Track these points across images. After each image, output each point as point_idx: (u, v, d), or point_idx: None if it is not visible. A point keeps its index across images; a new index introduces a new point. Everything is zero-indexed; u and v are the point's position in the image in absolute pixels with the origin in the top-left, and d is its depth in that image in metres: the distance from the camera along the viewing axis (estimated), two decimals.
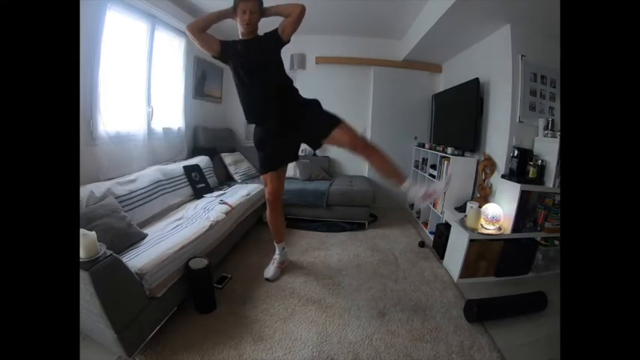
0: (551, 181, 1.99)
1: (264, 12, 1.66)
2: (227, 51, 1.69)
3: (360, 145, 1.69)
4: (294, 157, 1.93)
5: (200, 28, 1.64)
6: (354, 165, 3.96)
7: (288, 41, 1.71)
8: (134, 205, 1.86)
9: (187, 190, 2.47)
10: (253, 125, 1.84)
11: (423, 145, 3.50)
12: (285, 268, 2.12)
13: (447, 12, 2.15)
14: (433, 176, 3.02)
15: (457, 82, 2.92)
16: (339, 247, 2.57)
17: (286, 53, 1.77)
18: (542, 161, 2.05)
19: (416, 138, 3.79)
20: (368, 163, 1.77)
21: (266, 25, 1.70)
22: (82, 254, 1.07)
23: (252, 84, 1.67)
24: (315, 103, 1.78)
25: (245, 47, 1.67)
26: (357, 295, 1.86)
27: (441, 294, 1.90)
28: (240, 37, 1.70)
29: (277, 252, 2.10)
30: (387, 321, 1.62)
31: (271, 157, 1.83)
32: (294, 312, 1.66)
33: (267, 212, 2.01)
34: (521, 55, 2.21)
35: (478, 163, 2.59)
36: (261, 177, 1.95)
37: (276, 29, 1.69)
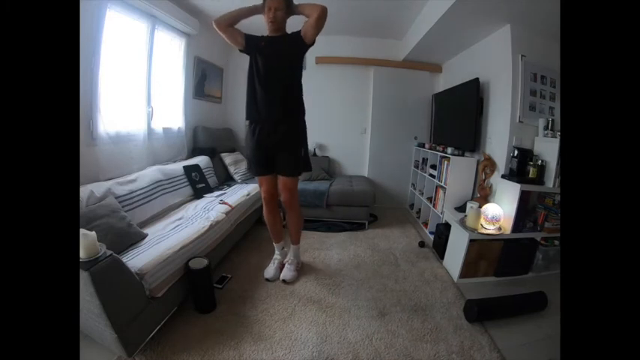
0: (551, 181, 1.99)
1: (291, 10, 1.66)
2: (251, 45, 1.71)
3: (288, 200, 1.90)
4: (272, 171, 1.87)
5: (228, 24, 1.66)
6: (354, 165, 3.96)
7: (312, 43, 1.70)
8: (134, 205, 1.86)
9: (187, 190, 2.47)
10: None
11: (423, 145, 3.50)
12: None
13: (447, 12, 2.15)
14: (433, 176, 3.03)
15: (457, 82, 2.92)
16: (339, 247, 2.57)
17: None
18: (542, 161, 2.05)
19: (416, 138, 3.79)
20: (286, 214, 2.04)
21: (298, 24, 1.69)
22: (82, 254, 1.07)
23: (263, 80, 1.68)
24: (302, 140, 1.84)
25: (267, 44, 1.68)
26: (357, 295, 1.86)
27: (441, 294, 1.90)
28: (268, 33, 1.72)
29: (277, 252, 2.10)
30: (387, 321, 1.62)
31: (255, 162, 1.85)
32: (294, 312, 1.66)
33: (264, 212, 2.01)
34: (521, 55, 2.21)
35: (478, 163, 2.59)
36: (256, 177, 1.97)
37: (300, 30, 1.68)
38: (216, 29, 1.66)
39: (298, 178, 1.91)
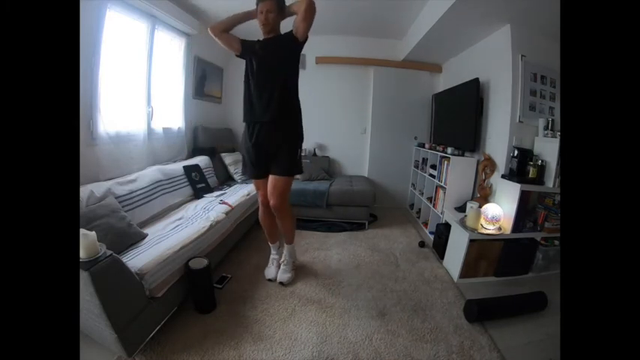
0: (551, 181, 1.99)
1: (284, 12, 1.67)
2: (247, 49, 1.72)
3: (278, 205, 1.78)
4: (267, 173, 1.83)
5: (222, 30, 1.69)
6: (354, 165, 3.96)
7: (305, 40, 1.69)
8: (134, 205, 1.86)
9: (187, 190, 2.47)
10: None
11: (423, 145, 3.50)
12: None
13: (447, 12, 2.15)
14: (433, 176, 3.03)
15: (457, 82, 2.92)
16: (339, 247, 2.57)
17: None
18: (542, 161, 2.05)
19: (416, 138, 3.79)
20: (277, 221, 1.94)
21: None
22: (82, 254, 1.07)
23: (258, 82, 1.68)
24: (296, 141, 1.80)
25: (261, 47, 1.69)
26: (357, 295, 1.86)
27: (441, 294, 1.90)
28: (262, 36, 1.73)
29: (273, 252, 2.09)
30: (387, 321, 1.62)
31: (250, 164, 1.82)
32: (294, 312, 1.66)
33: (260, 214, 2.00)
34: (522, 55, 2.21)
35: (478, 163, 2.59)
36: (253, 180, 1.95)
37: (292, 30, 1.68)
38: (212, 36, 1.70)
39: (290, 182, 1.82)
